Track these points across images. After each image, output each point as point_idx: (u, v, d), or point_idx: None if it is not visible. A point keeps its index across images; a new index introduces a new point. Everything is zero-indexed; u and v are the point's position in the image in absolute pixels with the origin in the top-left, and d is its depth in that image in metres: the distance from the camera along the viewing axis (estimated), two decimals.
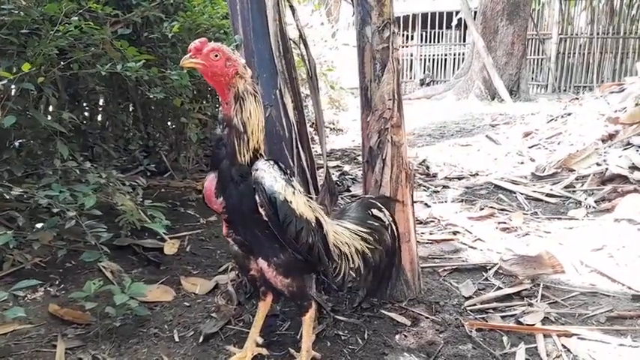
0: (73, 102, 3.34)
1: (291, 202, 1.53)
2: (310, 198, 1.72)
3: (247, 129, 1.52)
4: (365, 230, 1.88)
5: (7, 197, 2.18)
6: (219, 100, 1.60)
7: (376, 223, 1.93)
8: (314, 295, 2.01)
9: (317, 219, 1.66)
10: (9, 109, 2.15)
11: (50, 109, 3.03)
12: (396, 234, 1.99)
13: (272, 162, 1.57)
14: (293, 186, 1.58)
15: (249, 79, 1.54)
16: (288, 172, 1.63)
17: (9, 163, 2.33)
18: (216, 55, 1.49)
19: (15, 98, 2.28)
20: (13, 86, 2.26)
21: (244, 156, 1.53)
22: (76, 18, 2.36)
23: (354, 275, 1.84)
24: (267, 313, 1.86)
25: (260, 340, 1.88)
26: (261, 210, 1.51)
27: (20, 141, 2.53)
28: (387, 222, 1.96)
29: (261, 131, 1.57)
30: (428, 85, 15.39)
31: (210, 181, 1.63)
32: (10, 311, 1.63)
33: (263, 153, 1.61)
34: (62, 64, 2.53)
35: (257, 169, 1.53)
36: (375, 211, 1.96)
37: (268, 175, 1.52)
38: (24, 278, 2.20)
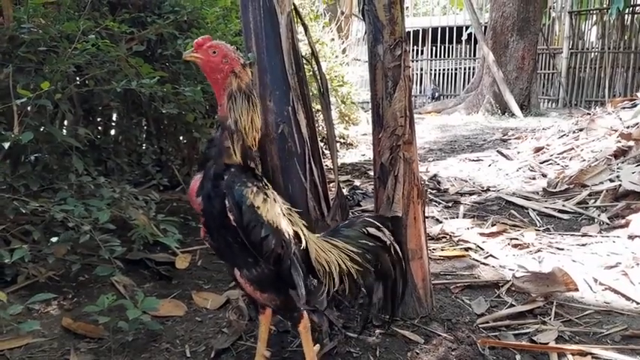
0: (88, 117, 3.40)
1: (258, 207, 1.51)
2: (291, 210, 1.69)
3: (238, 128, 1.53)
4: (354, 250, 1.77)
5: (24, 211, 2.21)
6: None
7: (371, 243, 1.82)
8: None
9: (295, 232, 1.62)
10: (26, 125, 2.19)
11: (65, 124, 3.09)
12: (399, 256, 1.87)
13: (246, 168, 1.57)
14: (266, 194, 1.56)
15: (245, 78, 1.55)
16: (264, 179, 1.62)
17: (25, 178, 2.36)
18: (215, 52, 1.53)
19: (32, 114, 2.32)
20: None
21: (233, 156, 1.54)
22: (93, 36, 2.42)
23: (341, 297, 1.79)
24: (270, 327, 1.85)
25: (267, 354, 1.88)
26: (229, 215, 1.51)
27: (36, 155, 2.57)
28: (387, 242, 1.86)
29: (255, 132, 1.57)
30: (437, 99, 15.42)
31: (196, 180, 1.63)
32: (26, 324, 1.64)
33: (253, 157, 1.60)
34: (78, 81, 2.58)
35: (229, 174, 1.53)
36: (371, 230, 1.85)
37: (239, 180, 1.52)
38: (38, 291, 2.23)
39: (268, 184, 1.63)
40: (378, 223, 1.88)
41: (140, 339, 2.05)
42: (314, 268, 1.66)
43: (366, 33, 2.31)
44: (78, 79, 2.69)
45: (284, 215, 1.61)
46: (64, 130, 2.98)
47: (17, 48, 2.30)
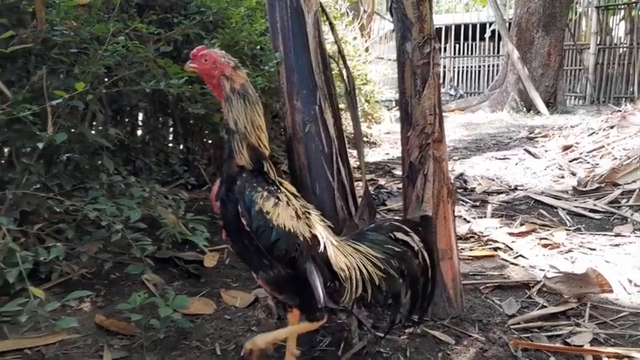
0: (116, 118, 3.45)
1: (267, 212, 1.50)
2: (309, 213, 1.66)
3: (239, 128, 1.54)
4: (378, 255, 1.74)
5: (58, 210, 2.25)
6: None
7: (397, 249, 1.78)
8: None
9: (314, 235, 1.60)
10: (59, 126, 2.23)
11: (94, 124, 3.14)
12: (427, 263, 1.81)
13: (258, 172, 1.57)
14: (278, 198, 1.55)
15: (239, 80, 1.56)
16: (277, 182, 1.61)
17: (58, 177, 2.41)
18: (206, 60, 1.56)
19: (65, 115, 2.37)
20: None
21: (240, 156, 1.54)
22: (123, 37, 2.45)
23: (364, 302, 1.74)
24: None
25: (297, 353, 1.88)
26: (242, 220, 1.52)
27: (67, 155, 2.62)
28: (416, 248, 1.80)
29: (259, 131, 1.56)
30: (460, 97, 15.25)
31: (216, 184, 1.66)
32: (63, 321, 1.67)
33: (264, 157, 1.59)
34: (108, 82, 2.62)
35: (241, 179, 1.54)
36: (399, 235, 1.81)
37: (249, 185, 1.53)
38: (71, 288, 2.27)
39: (281, 187, 1.61)
40: (406, 228, 1.83)
41: (171, 336, 2.07)
42: (334, 271, 1.63)
43: (392, 31, 2.29)
44: (107, 79, 2.72)
45: (300, 218, 1.59)
46: (94, 131, 3.03)
47: (50, 50, 2.34)
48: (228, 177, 1.58)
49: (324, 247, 1.62)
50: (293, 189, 1.70)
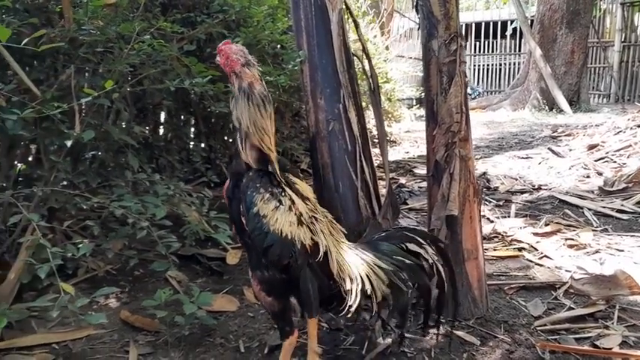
0: (140, 116, 3.49)
1: (265, 215, 1.48)
2: (316, 218, 1.60)
3: (242, 127, 1.52)
4: (385, 267, 1.66)
5: (84, 207, 2.28)
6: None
7: (408, 261, 1.70)
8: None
9: (315, 242, 1.55)
10: (86, 124, 2.26)
11: (119, 122, 3.18)
12: (444, 278, 1.72)
13: (263, 172, 1.54)
14: (280, 201, 1.51)
15: (247, 78, 1.53)
16: (282, 184, 1.56)
17: (85, 175, 2.44)
18: (222, 55, 1.57)
19: (92, 113, 2.40)
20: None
21: (244, 154, 1.54)
22: (148, 36, 2.47)
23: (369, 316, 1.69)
24: (321, 323, 1.83)
25: (319, 350, 1.88)
26: (242, 218, 1.51)
27: (93, 153, 2.65)
28: (430, 261, 1.72)
29: (261, 132, 1.52)
30: (479, 95, 15.08)
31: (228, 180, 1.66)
32: (92, 317, 1.69)
33: (269, 160, 1.56)
34: (133, 80, 2.64)
35: (246, 178, 1.53)
36: (412, 246, 1.73)
37: (252, 185, 1.51)
38: (97, 284, 2.31)
39: (288, 190, 1.56)
40: (419, 238, 1.75)
41: (195, 333, 2.08)
42: (336, 281, 1.60)
43: (412, 29, 2.27)
44: (130, 78, 2.75)
45: (302, 224, 1.54)
46: (118, 129, 3.07)
47: (77, 49, 2.37)
48: (235, 174, 1.57)
49: (324, 256, 1.56)
50: (307, 190, 1.66)
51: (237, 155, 1.57)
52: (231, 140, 4.16)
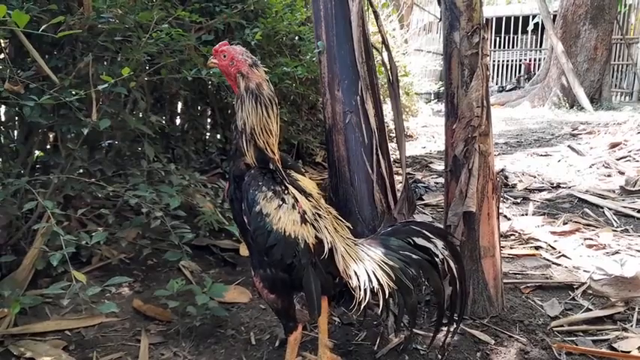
0: (156, 105, 3.49)
1: (267, 214, 1.45)
2: (320, 215, 1.56)
3: (246, 128, 1.50)
4: (391, 264, 1.62)
5: (100, 195, 2.29)
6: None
7: (415, 256, 1.65)
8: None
9: (319, 240, 1.52)
10: (103, 112, 2.26)
11: (135, 112, 3.18)
12: (455, 273, 1.67)
13: (266, 170, 1.52)
14: (284, 200, 1.49)
15: (255, 79, 1.51)
16: (284, 182, 1.53)
17: (100, 163, 2.45)
18: (224, 56, 1.55)
19: (109, 102, 2.40)
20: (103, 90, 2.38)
21: (247, 156, 1.51)
22: (166, 25, 2.46)
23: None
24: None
25: (330, 344, 1.86)
26: (244, 217, 1.49)
27: (109, 142, 2.66)
28: (440, 256, 1.67)
29: (267, 134, 1.50)
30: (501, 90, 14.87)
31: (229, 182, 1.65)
32: (104, 306, 1.70)
33: (273, 160, 1.54)
34: (150, 69, 2.64)
35: (248, 176, 1.50)
36: (420, 241, 1.68)
37: (255, 183, 1.48)
38: (111, 273, 2.32)
39: (291, 187, 1.54)
40: (426, 232, 1.70)
41: (206, 324, 2.08)
42: (342, 279, 1.57)
43: (431, 22, 2.22)
44: (148, 67, 2.75)
45: (306, 222, 1.51)
46: (134, 118, 3.07)
47: (96, 37, 2.37)
48: (235, 176, 1.55)
49: (329, 254, 1.54)
50: (310, 186, 1.63)
51: (236, 157, 1.54)
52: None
